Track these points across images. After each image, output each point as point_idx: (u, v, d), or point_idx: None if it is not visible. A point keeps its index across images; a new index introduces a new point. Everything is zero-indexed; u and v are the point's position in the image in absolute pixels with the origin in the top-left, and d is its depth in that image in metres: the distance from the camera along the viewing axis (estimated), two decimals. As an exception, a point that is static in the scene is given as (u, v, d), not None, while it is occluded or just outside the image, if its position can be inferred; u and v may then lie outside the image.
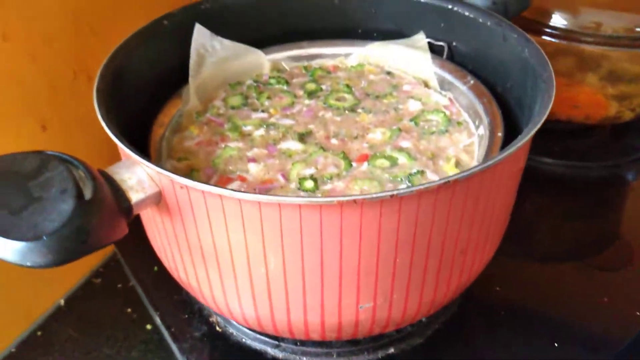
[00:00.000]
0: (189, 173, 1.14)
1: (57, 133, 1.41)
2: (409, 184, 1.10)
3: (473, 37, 1.35)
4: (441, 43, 1.42)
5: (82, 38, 1.44)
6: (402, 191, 0.80)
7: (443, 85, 1.37)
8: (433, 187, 0.81)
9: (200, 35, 1.35)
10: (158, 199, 0.91)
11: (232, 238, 0.90)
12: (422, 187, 0.81)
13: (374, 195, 0.80)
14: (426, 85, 1.40)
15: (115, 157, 1.01)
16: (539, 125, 0.91)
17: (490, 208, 0.98)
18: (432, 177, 1.11)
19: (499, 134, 1.14)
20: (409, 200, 0.83)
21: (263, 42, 1.47)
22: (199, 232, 0.92)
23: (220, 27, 1.39)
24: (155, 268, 1.45)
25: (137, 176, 0.89)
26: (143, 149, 1.15)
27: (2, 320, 1.45)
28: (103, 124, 0.91)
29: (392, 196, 0.80)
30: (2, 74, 1.25)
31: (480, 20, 1.30)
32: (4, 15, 1.22)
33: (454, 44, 1.41)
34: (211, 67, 1.37)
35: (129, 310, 1.62)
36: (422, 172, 1.12)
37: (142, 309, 1.51)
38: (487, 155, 1.10)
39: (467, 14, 1.34)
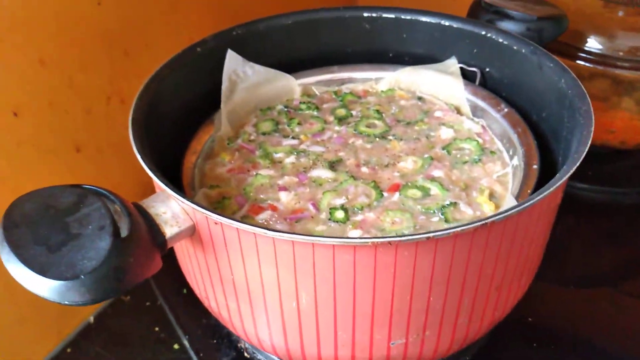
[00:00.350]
0: (221, 200, 1.14)
1: (91, 156, 1.43)
2: (442, 217, 1.08)
3: (507, 64, 1.33)
4: (474, 69, 1.40)
5: (115, 62, 1.46)
6: (438, 233, 0.79)
7: (475, 112, 1.36)
8: (469, 229, 0.80)
9: (233, 61, 1.36)
10: (192, 232, 0.92)
11: (265, 273, 0.90)
12: (458, 229, 0.80)
13: (410, 237, 0.79)
14: (458, 111, 1.39)
15: (148, 182, 1.02)
16: (577, 164, 0.89)
17: (526, 245, 0.96)
18: (465, 209, 1.09)
19: (535, 166, 1.11)
20: (445, 241, 0.82)
21: (294, 66, 1.47)
22: (231, 266, 0.93)
23: (252, 53, 1.39)
24: (185, 290, 1.46)
25: (172, 210, 0.90)
26: (176, 176, 1.16)
27: (33, 336, 1.47)
28: (139, 158, 0.92)
29: (428, 238, 0.79)
30: (40, 98, 1.28)
31: (515, 47, 1.29)
32: (41, 41, 1.25)
33: (487, 70, 1.39)
34: (243, 92, 1.38)
35: (157, 329, 1.62)
36: (455, 204, 1.10)
37: (170, 328, 1.52)
38: (522, 189, 1.08)
39: (500, 40, 1.32)
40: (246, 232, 0.83)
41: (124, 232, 0.78)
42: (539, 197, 0.83)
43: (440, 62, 1.45)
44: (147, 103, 1.11)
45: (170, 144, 1.20)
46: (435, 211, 1.09)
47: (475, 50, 1.39)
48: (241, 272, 0.92)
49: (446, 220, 1.07)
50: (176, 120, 1.24)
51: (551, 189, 0.83)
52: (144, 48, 1.55)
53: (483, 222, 0.80)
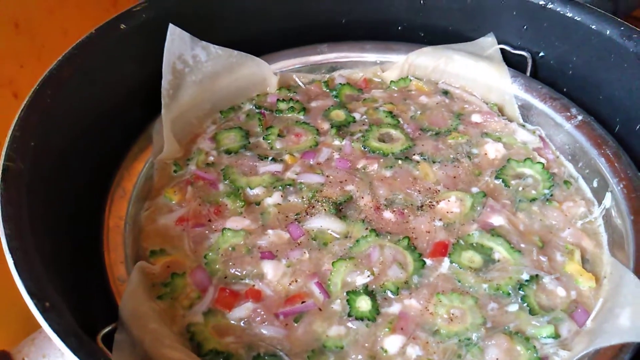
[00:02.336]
0: (169, 281, 0.71)
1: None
2: (523, 303, 0.70)
3: (576, 50, 0.94)
4: (522, 52, 1.00)
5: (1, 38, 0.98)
6: None
7: (528, 116, 0.96)
8: None
9: (177, 41, 0.89)
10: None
11: None
12: None
13: None
14: (501, 112, 0.99)
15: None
16: None
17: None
18: (554, 288, 0.72)
19: (654, 220, 0.75)
20: None
21: (266, 46, 1.02)
22: None
23: (205, 28, 0.93)
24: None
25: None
26: (93, 237, 0.72)
27: None
28: (16, 279, 0.47)
29: None
30: None
31: (593, 26, 0.89)
32: None
33: (542, 55, 0.99)
34: (193, 87, 0.92)
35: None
36: (536, 279, 0.72)
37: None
38: (641, 256, 0.71)
39: (569, 13, 0.92)
40: None
41: None
42: None
43: (472, 39, 1.03)
44: (36, 129, 0.64)
45: (81, 184, 0.74)
46: (512, 293, 0.71)
47: (525, 27, 0.98)
48: None
49: (531, 311, 0.69)
50: (90, 144, 0.78)
51: None
52: (45, 19, 1.06)
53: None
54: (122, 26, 0.82)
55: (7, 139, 0.62)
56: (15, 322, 0.88)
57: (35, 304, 0.46)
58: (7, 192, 0.56)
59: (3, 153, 0.60)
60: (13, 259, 0.49)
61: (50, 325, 0.45)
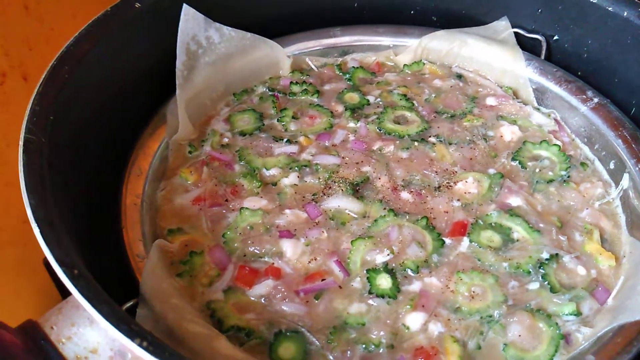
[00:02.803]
0: (188, 259, 0.71)
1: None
2: (544, 282, 0.70)
3: (592, 32, 0.93)
4: (536, 36, 1.00)
5: (10, 20, 0.96)
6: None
7: (543, 99, 0.96)
8: None
9: (191, 22, 0.88)
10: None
11: None
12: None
13: None
14: (515, 95, 0.98)
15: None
16: None
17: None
18: (574, 267, 0.71)
19: (675, 200, 0.74)
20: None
21: (279, 29, 1.01)
22: None
23: (219, 9, 0.92)
24: None
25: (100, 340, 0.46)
26: (111, 216, 0.71)
27: None
28: (44, 248, 0.46)
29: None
30: None
31: (610, 8, 0.89)
32: None
33: (556, 38, 0.99)
34: (207, 69, 0.91)
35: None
36: (556, 258, 0.72)
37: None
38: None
39: (585, -4, 0.92)
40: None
41: None
42: None
43: (485, 23, 1.03)
44: (54, 104, 0.63)
45: (98, 161, 0.74)
46: (532, 271, 0.71)
47: (539, 10, 0.98)
48: None
49: (552, 289, 0.69)
50: (106, 121, 0.77)
51: None
52: (54, 3, 1.05)
53: None
54: (137, 5, 0.82)
55: (27, 112, 0.61)
56: (35, 295, 0.88)
57: (65, 272, 0.45)
58: (30, 164, 0.55)
59: (23, 126, 0.60)
60: (39, 228, 0.48)
61: (80, 292, 0.44)
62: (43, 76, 0.67)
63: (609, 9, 0.89)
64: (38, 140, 0.59)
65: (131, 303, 0.59)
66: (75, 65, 0.71)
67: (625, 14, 0.87)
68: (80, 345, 0.48)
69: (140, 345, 0.42)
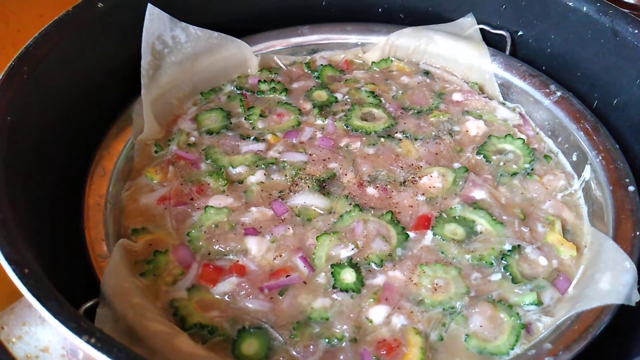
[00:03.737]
0: (152, 258, 0.70)
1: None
2: (506, 273, 0.71)
3: (555, 28, 0.95)
4: (501, 32, 1.01)
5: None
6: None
7: (508, 94, 0.97)
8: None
9: (156, 22, 0.88)
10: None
11: None
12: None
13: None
14: (481, 91, 1.00)
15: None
16: None
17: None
18: (536, 257, 0.72)
19: (631, 188, 0.75)
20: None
21: (246, 27, 1.01)
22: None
23: (184, 9, 0.92)
24: None
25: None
26: (74, 216, 0.71)
27: None
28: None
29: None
30: None
31: (570, 3, 0.90)
32: None
33: (520, 34, 1.00)
34: (173, 68, 0.91)
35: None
36: (518, 249, 0.73)
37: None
38: (620, 223, 0.72)
39: (546, -9, 0.93)
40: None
41: None
42: None
43: (452, 20, 1.04)
44: (12, 105, 0.63)
45: (61, 162, 0.73)
46: (495, 263, 0.72)
47: (504, 6, 0.99)
48: None
49: (514, 279, 0.70)
50: (69, 122, 0.76)
51: None
52: (20, 5, 1.05)
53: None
54: (100, 4, 0.81)
55: (-18, 112, 0.61)
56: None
57: (14, 269, 0.45)
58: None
59: (-22, 126, 0.59)
60: (-11, 227, 0.48)
61: (29, 290, 0.44)
62: (0, 76, 0.66)
63: (570, 4, 0.90)
64: (-7, 140, 0.58)
65: (91, 303, 0.59)
66: (35, 66, 0.70)
67: (584, 8, 0.89)
68: (31, 344, 0.48)
69: (88, 342, 0.42)
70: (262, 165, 0.83)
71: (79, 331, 0.43)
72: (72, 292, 0.54)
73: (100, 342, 0.43)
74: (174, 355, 0.57)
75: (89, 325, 0.45)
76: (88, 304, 0.59)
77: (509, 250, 0.73)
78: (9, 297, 0.94)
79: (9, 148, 0.61)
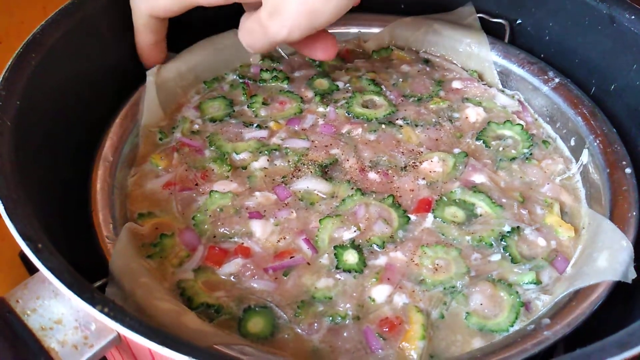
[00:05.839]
0: (158, 241, 0.72)
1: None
2: (505, 253, 0.72)
3: (552, 15, 0.96)
4: (500, 20, 1.02)
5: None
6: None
7: (507, 81, 0.99)
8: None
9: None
10: (117, 343, 0.50)
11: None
12: None
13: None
14: (481, 78, 1.01)
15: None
16: None
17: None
18: (535, 239, 0.74)
19: (628, 170, 0.77)
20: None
21: (248, 17, 1.02)
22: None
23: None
24: None
25: (73, 313, 0.47)
26: (82, 200, 0.72)
27: None
28: (8, 222, 0.47)
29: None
30: None
31: (568, -10, 0.91)
32: None
33: (519, 22, 1.01)
34: (176, 58, 0.93)
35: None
36: (517, 231, 0.74)
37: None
38: (617, 205, 0.74)
39: (544, -20, 0.94)
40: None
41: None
42: None
43: (451, 10, 1.05)
44: (21, 90, 0.64)
45: (69, 147, 0.74)
46: (494, 244, 0.73)
47: (502, -6, 1.00)
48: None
49: (513, 260, 0.71)
50: (76, 109, 0.78)
51: None
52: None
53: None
54: (103, -9, 0.82)
55: (-7, 96, 0.62)
56: (6, 270, 0.89)
57: (29, 245, 0.46)
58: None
59: (-11, 110, 0.61)
60: (3, 203, 0.49)
61: (44, 263, 0.46)
62: (9, 63, 0.67)
63: (566, -10, 0.92)
64: (3, 124, 0.60)
65: (100, 283, 0.61)
66: (43, 53, 0.72)
67: (582, -5, 0.90)
68: (45, 316, 0.49)
69: (101, 311, 0.44)
70: (265, 152, 0.84)
71: (92, 302, 0.44)
72: (81, 272, 0.55)
73: (114, 311, 0.44)
74: (182, 332, 0.58)
75: (102, 296, 0.46)
76: (98, 283, 0.60)
77: (508, 232, 0.74)
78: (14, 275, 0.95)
79: (19, 132, 0.63)
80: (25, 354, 0.46)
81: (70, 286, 0.45)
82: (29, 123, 0.65)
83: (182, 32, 0.91)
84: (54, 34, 0.75)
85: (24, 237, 0.47)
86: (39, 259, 0.46)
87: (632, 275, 0.65)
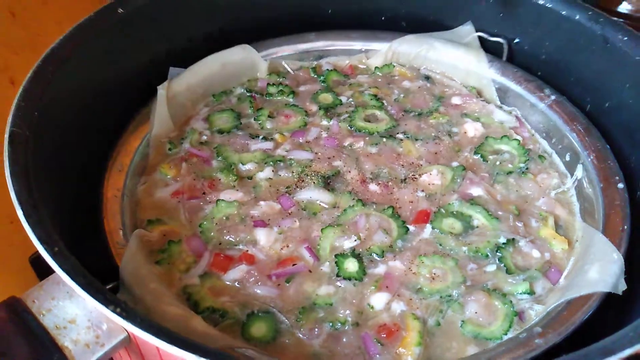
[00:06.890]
0: (166, 247, 0.75)
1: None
2: (500, 264, 0.75)
3: (549, 35, 0.99)
4: (498, 39, 1.05)
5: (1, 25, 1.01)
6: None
7: (505, 98, 1.02)
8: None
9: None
10: (126, 344, 0.53)
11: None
12: None
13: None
14: (479, 95, 1.04)
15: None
16: None
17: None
18: (529, 251, 0.76)
19: (620, 185, 0.80)
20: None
21: (255, 33, 1.06)
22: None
23: (198, 17, 0.97)
24: None
25: (85, 314, 0.50)
26: (93, 208, 0.75)
27: None
28: (26, 227, 0.50)
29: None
30: None
31: (563, 12, 0.95)
32: None
33: (517, 41, 1.05)
34: (186, 71, 0.96)
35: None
36: (513, 242, 0.77)
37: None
38: (610, 219, 0.76)
39: (540, 1, 0.98)
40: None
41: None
42: None
43: (451, 28, 1.09)
44: (39, 101, 0.68)
45: (82, 156, 0.78)
46: (490, 255, 0.76)
47: (501, 14, 1.04)
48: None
49: (508, 270, 0.74)
50: (90, 119, 0.81)
51: None
52: (40, 10, 1.09)
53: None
54: (120, 10, 0.86)
55: (12, 107, 0.65)
56: (16, 275, 0.92)
57: (46, 249, 0.49)
58: (14, 153, 0.60)
59: (9, 120, 0.64)
60: (22, 210, 0.52)
61: (60, 266, 0.49)
62: (28, 75, 0.71)
63: (563, 13, 0.95)
64: (23, 133, 0.63)
65: (110, 286, 0.63)
66: (60, 66, 0.75)
67: (577, 17, 0.93)
68: (60, 316, 0.52)
69: (114, 311, 0.47)
70: (271, 163, 0.87)
71: (105, 302, 0.47)
72: (93, 275, 0.58)
73: (126, 311, 0.47)
74: (189, 335, 0.61)
75: (114, 297, 0.49)
76: (108, 287, 0.63)
77: (503, 243, 0.77)
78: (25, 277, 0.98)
79: (35, 142, 0.66)
80: (40, 351, 0.49)
81: (84, 287, 0.48)
82: (46, 133, 0.69)
83: (191, 48, 0.95)
84: (70, 48, 0.79)
85: (42, 241, 0.50)
86: (56, 261, 0.49)
87: (623, 286, 0.67)
